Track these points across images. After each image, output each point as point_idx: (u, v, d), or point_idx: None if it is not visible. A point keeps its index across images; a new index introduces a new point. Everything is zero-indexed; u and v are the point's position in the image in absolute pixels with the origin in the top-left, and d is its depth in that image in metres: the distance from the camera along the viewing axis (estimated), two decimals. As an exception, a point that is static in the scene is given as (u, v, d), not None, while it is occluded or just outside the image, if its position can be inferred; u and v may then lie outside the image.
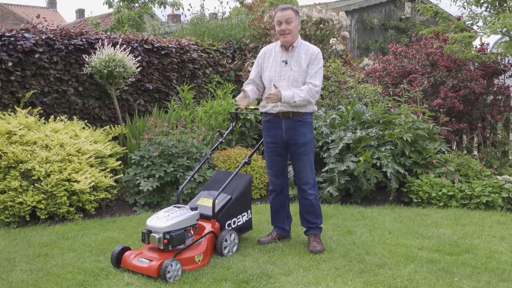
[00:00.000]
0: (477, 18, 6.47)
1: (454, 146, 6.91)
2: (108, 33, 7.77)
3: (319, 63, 3.72)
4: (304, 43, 3.83)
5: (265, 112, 3.87)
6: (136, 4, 10.21)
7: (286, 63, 3.74)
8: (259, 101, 4.14)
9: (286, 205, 4.09)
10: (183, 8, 10.53)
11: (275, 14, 3.74)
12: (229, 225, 3.83)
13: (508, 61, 7.36)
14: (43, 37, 5.80)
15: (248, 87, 3.84)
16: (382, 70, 7.18)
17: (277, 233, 4.06)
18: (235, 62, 7.95)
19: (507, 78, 7.06)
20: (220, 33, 8.46)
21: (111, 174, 5.22)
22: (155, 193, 5.27)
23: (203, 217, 3.72)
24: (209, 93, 7.51)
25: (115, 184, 5.27)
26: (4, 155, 4.67)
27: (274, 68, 3.78)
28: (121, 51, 5.92)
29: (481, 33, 6.47)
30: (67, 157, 4.88)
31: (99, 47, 5.95)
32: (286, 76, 3.73)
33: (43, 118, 5.47)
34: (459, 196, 5.20)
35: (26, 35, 5.73)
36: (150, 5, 10.24)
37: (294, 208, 4.33)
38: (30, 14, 26.10)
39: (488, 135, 6.91)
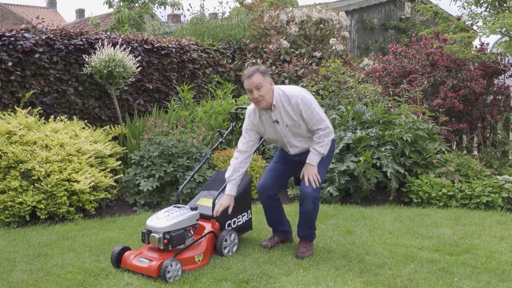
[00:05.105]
0: (477, 18, 6.47)
1: (454, 146, 6.91)
2: (108, 33, 7.78)
3: (310, 105, 3.49)
4: (282, 93, 3.54)
5: None
6: (136, 4, 10.21)
7: (278, 122, 3.58)
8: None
9: (280, 209, 3.94)
10: (183, 8, 10.53)
11: (243, 81, 3.52)
12: (229, 225, 3.83)
13: (508, 61, 7.36)
14: (43, 37, 5.80)
15: (234, 178, 3.65)
16: (382, 70, 7.18)
17: (278, 236, 3.96)
18: (235, 62, 7.96)
19: (507, 78, 7.05)
20: (220, 33, 8.47)
21: (111, 174, 5.22)
22: (155, 193, 5.27)
23: (203, 217, 3.72)
24: (209, 93, 7.51)
25: (115, 184, 5.27)
26: (4, 155, 4.67)
27: (271, 131, 3.65)
28: (121, 51, 5.92)
29: (480, 33, 6.47)
30: (67, 157, 4.88)
31: (99, 47, 5.95)
32: (286, 133, 3.62)
33: (43, 118, 5.47)
34: (459, 196, 5.20)
35: (26, 35, 5.73)
36: (150, 5, 10.24)
37: (294, 209, 4.33)
38: (30, 14, 26.11)
39: (488, 135, 6.91)
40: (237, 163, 3.66)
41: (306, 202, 3.59)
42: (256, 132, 3.73)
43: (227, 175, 3.68)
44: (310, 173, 3.55)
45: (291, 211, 4.83)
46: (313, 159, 3.57)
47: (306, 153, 3.66)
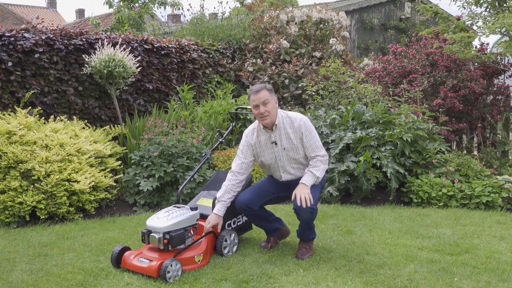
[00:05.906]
0: (477, 18, 6.47)
1: (454, 146, 6.91)
2: (108, 33, 7.78)
3: (311, 131, 3.57)
4: (285, 115, 3.61)
5: None
6: (136, 4, 10.21)
7: (276, 143, 3.60)
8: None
9: (263, 216, 3.83)
10: (183, 8, 10.54)
11: (249, 97, 3.55)
12: (229, 225, 3.83)
13: (508, 61, 7.36)
14: (43, 37, 5.80)
15: (225, 200, 3.62)
16: (382, 70, 7.18)
17: (274, 236, 3.93)
18: (235, 62, 7.96)
19: (507, 78, 7.06)
20: (220, 33, 8.47)
21: (111, 174, 5.22)
22: (155, 193, 5.27)
23: (203, 217, 3.72)
24: (209, 93, 7.51)
25: (115, 184, 5.27)
26: (4, 155, 4.67)
27: (267, 153, 3.65)
28: (121, 51, 5.92)
29: (480, 33, 6.47)
30: (67, 157, 4.88)
31: (99, 47, 5.95)
32: (282, 157, 3.62)
33: (43, 118, 5.47)
34: (459, 196, 5.20)
35: (26, 35, 5.73)
36: (150, 5, 10.24)
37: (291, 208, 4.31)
38: (30, 14, 26.11)
39: (488, 135, 6.91)
40: (229, 185, 3.66)
41: (303, 211, 3.49)
42: (252, 154, 3.71)
43: (218, 195, 3.69)
44: (303, 192, 3.44)
45: (291, 211, 4.82)
46: (307, 180, 3.51)
47: (296, 179, 3.63)
